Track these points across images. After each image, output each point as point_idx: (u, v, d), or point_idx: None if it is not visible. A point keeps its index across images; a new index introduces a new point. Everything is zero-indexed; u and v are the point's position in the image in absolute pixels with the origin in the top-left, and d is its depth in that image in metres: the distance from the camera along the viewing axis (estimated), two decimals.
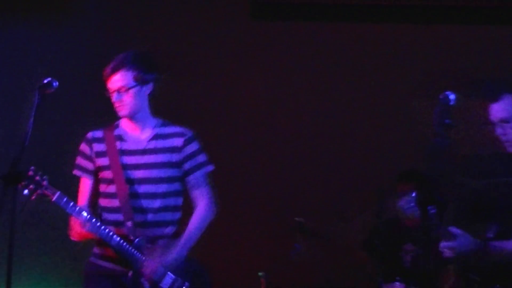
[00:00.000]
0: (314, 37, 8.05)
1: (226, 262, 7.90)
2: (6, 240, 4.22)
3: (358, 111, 7.80)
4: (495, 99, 4.46)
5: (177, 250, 4.78)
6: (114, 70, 4.69)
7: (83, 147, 4.93)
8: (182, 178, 4.94)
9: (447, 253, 4.41)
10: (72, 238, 4.68)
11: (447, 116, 3.84)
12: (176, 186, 4.88)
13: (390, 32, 7.94)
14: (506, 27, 8.01)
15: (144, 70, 4.74)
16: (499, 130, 4.42)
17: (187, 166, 4.88)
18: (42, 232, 6.96)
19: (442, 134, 3.84)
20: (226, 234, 7.59)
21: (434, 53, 7.96)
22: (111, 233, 4.66)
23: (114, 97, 4.66)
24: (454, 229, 4.36)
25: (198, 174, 4.91)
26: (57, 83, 4.22)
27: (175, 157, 4.84)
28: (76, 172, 4.85)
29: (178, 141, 4.84)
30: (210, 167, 4.89)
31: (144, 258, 4.74)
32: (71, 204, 4.54)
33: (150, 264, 4.73)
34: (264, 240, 7.55)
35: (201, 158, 4.88)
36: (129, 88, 4.65)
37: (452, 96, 3.96)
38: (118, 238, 4.67)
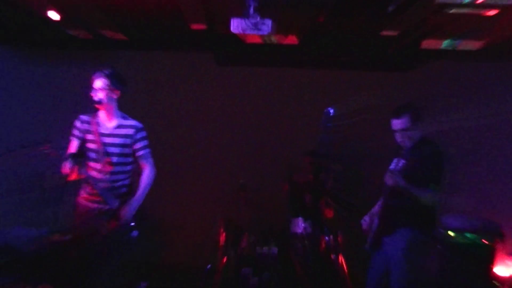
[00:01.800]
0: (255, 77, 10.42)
1: (188, 212, 10.39)
2: None
3: (283, 124, 10.12)
4: (398, 116, 5.86)
5: (136, 197, 6.27)
6: (97, 77, 6.15)
7: (76, 122, 6.29)
8: (132, 155, 6.37)
9: (389, 181, 5.73)
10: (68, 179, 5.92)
11: (329, 121, 5.86)
12: (128, 159, 6.36)
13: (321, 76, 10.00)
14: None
15: (113, 82, 6.18)
16: (398, 136, 5.88)
17: (136, 146, 6.32)
18: None
19: (325, 132, 5.85)
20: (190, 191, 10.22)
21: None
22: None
23: (93, 92, 6.13)
24: (392, 174, 5.75)
25: (143, 152, 6.36)
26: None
27: (128, 141, 6.26)
28: (70, 137, 6.26)
29: (131, 131, 6.26)
30: (149, 149, 6.38)
31: (114, 201, 6.22)
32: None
33: (125, 211, 6.20)
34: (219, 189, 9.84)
35: (145, 142, 6.36)
36: (103, 89, 6.11)
37: (331, 110, 5.97)
38: (100, 184, 6.12)
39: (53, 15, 8.19)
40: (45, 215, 8.59)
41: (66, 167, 5.95)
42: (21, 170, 7.96)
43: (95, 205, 6.21)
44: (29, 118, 9.89)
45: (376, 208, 6.17)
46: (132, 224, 6.16)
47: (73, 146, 6.23)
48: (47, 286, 8.41)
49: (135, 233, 6.12)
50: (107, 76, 6.10)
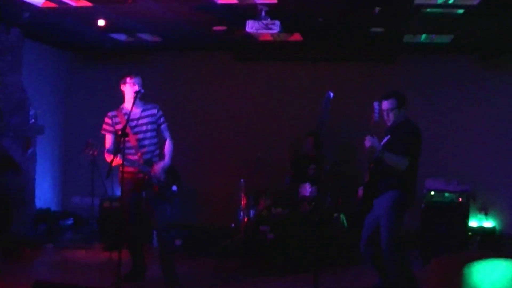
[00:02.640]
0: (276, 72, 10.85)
1: (214, 180, 10.79)
2: None
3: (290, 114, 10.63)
4: (386, 98, 6.04)
5: (164, 162, 6.65)
6: (135, 75, 6.59)
7: (107, 119, 6.67)
8: (156, 130, 6.70)
9: (367, 143, 5.85)
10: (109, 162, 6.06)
11: (328, 103, 5.42)
12: (154, 133, 6.68)
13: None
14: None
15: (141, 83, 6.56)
16: (385, 114, 6.02)
17: (159, 121, 6.70)
18: None
19: (325, 113, 5.44)
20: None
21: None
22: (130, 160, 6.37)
23: (138, 86, 6.47)
24: (370, 137, 5.89)
25: (164, 125, 6.74)
26: None
27: (153, 119, 6.64)
28: (102, 132, 6.65)
29: (154, 111, 6.68)
30: (166, 123, 6.72)
31: (150, 168, 6.53)
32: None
33: (155, 169, 6.55)
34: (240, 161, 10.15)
35: (164, 118, 6.73)
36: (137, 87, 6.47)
37: (331, 93, 5.47)
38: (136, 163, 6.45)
39: (100, 22, 8.38)
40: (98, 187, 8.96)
41: (107, 156, 6.38)
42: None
43: (135, 177, 6.46)
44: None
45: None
46: (173, 188, 6.64)
47: (108, 139, 6.63)
48: (100, 244, 8.85)
49: (174, 187, 6.62)
50: (140, 79, 6.59)
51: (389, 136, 5.93)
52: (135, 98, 6.31)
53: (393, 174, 5.89)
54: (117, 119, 6.55)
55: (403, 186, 5.95)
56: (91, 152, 6.38)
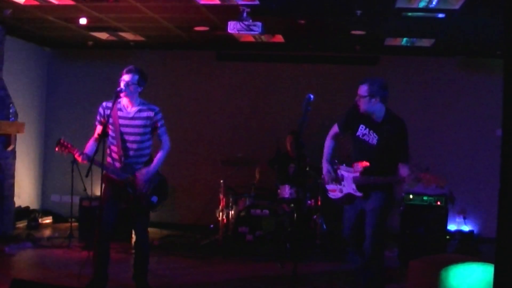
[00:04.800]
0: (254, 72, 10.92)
1: (194, 179, 10.81)
2: None
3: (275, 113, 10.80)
4: (362, 83, 5.82)
5: (150, 169, 6.16)
6: (128, 72, 6.04)
7: (100, 109, 6.18)
8: (151, 133, 6.19)
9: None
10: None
11: (308, 105, 5.26)
12: (147, 137, 6.19)
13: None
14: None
15: (141, 78, 6.10)
16: (360, 100, 5.79)
17: (155, 125, 6.18)
18: None
19: (304, 114, 5.21)
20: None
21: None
22: (108, 166, 6.06)
23: (123, 84, 5.99)
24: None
25: (161, 130, 6.24)
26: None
27: (148, 122, 6.12)
28: (96, 122, 6.21)
29: (151, 113, 6.14)
30: (165, 127, 6.25)
31: (131, 176, 6.08)
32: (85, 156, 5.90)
33: (137, 176, 6.11)
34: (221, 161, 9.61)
35: (162, 122, 6.23)
36: (132, 82, 6.01)
37: (311, 96, 5.27)
38: (111, 168, 6.08)
39: (82, 20, 8.43)
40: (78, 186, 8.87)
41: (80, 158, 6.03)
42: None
43: (116, 178, 6.14)
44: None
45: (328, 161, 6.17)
46: (153, 187, 6.20)
47: (97, 130, 6.25)
48: (79, 243, 8.82)
49: (154, 198, 6.21)
50: (138, 73, 6.11)
51: (376, 134, 5.78)
52: (126, 96, 6.07)
53: (385, 175, 5.78)
54: (108, 112, 6.04)
55: (387, 187, 5.88)
56: (61, 152, 6.06)
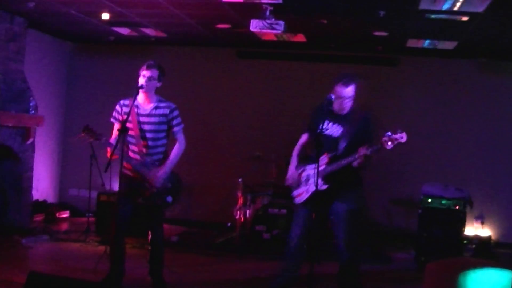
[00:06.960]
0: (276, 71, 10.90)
1: (213, 178, 10.72)
2: None
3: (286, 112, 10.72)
4: (346, 86, 5.68)
5: (164, 167, 6.08)
6: (150, 67, 6.02)
7: (117, 106, 6.19)
8: (167, 131, 6.15)
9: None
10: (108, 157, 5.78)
11: (328, 105, 5.45)
12: (163, 134, 6.17)
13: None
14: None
15: (161, 74, 6.10)
16: (342, 102, 5.73)
17: (171, 123, 6.13)
18: None
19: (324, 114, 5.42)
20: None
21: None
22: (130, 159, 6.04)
23: (144, 79, 5.96)
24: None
25: (177, 128, 6.17)
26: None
27: (164, 119, 6.10)
28: (112, 120, 6.19)
29: (167, 110, 6.10)
30: (182, 125, 6.19)
31: (148, 172, 6.04)
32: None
33: (153, 174, 6.05)
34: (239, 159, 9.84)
35: (178, 120, 6.16)
36: (152, 78, 6.00)
37: (332, 96, 5.47)
38: (133, 161, 6.04)
39: (105, 16, 8.49)
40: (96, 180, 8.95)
41: (107, 149, 6.01)
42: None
43: (134, 176, 6.10)
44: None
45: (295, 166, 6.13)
46: (169, 187, 6.11)
47: (115, 127, 6.18)
48: (96, 238, 8.86)
49: (169, 198, 6.14)
50: (158, 68, 6.09)
51: (341, 126, 5.73)
52: (144, 92, 6.04)
53: (355, 171, 5.69)
54: (126, 109, 6.00)
55: (357, 184, 5.89)
56: (85, 138, 6.01)
